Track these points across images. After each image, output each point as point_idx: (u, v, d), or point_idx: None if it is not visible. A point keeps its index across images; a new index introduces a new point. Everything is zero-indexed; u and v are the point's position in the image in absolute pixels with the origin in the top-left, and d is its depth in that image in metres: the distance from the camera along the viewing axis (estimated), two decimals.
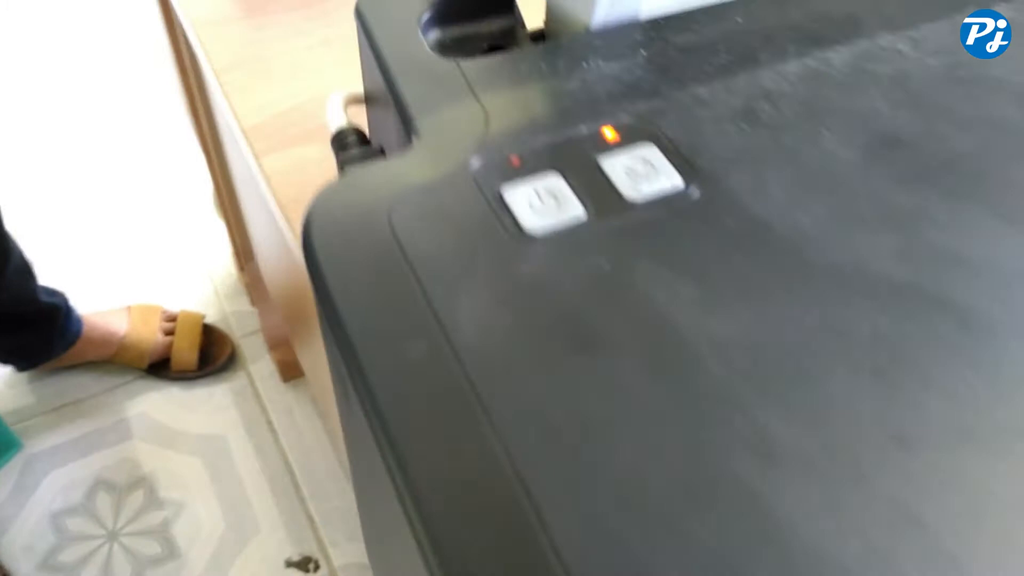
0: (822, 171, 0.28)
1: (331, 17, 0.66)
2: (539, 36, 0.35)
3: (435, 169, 0.27)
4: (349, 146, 0.33)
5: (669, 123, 0.29)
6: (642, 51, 0.31)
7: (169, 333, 1.41)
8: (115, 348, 1.38)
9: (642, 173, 0.27)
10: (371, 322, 0.24)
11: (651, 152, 0.28)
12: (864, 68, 0.31)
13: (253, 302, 1.48)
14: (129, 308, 1.42)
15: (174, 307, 1.47)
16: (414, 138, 0.29)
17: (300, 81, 0.60)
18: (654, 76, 0.30)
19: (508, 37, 0.34)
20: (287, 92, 0.59)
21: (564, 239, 0.26)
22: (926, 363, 0.23)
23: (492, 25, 0.34)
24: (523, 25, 0.35)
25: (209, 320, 1.48)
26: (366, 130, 0.38)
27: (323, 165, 0.55)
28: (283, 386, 1.43)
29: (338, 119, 0.35)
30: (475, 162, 0.27)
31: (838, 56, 0.31)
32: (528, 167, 0.27)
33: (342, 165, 0.31)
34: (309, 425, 1.37)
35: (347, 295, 0.24)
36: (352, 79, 0.61)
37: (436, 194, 0.26)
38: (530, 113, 0.29)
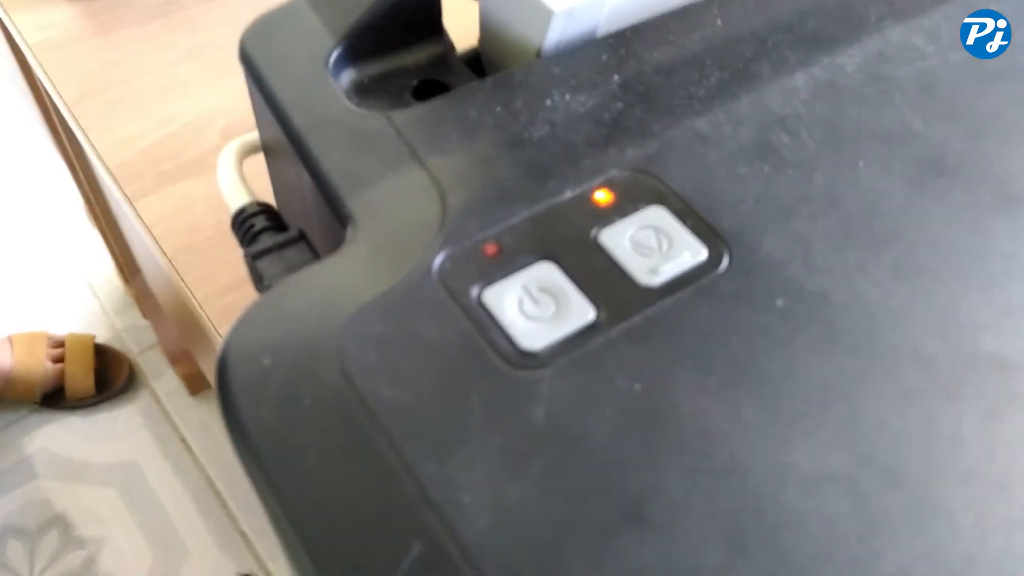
0: (870, 215, 0.22)
1: (196, 24, 0.57)
2: (474, 60, 0.29)
3: (387, 274, 0.21)
4: (258, 234, 0.26)
5: (673, 172, 0.23)
6: (615, 76, 0.25)
7: (58, 360, 1.31)
8: (1, 384, 1.27)
9: (655, 247, 0.21)
10: (339, 523, 0.17)
11: (660, 216, 0.22)
12: (882, 74, 0.25)
13: (145, 314, 1.38)
14: (10, 338, 1.31)
15: (60, 330, 1.36)
16: (349, 228, 0.22)
17: (169, 105, 0.52)
18: (638, 109, 0.24)
19: (440, 68, 0.27)
20: (155, 120, 0.51)
21: (575, 354, 0.20)
22: None
23: (418, 55, 0.27)
24: (453, 49, 0.28)
25: (100, 340, 1.37)
26: (269, 195, 0.31)
27: (210, 202, 0.47)
28: (192, 400, 1.34)
29: (235, 190, 0.27)
30: (439, 258, 0.21)
31: (849, 61, 0.26)
32: (510, 257, 0.21)
33: (253, 263, 0.24)
34: (227, 437, 1.29)
35: (298, 489, 0.18)
36: (229, 96, 0.53)
37: (395, 314, 0.20)
38: (496, 178, 0.23)
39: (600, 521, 0.17)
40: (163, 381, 1.37)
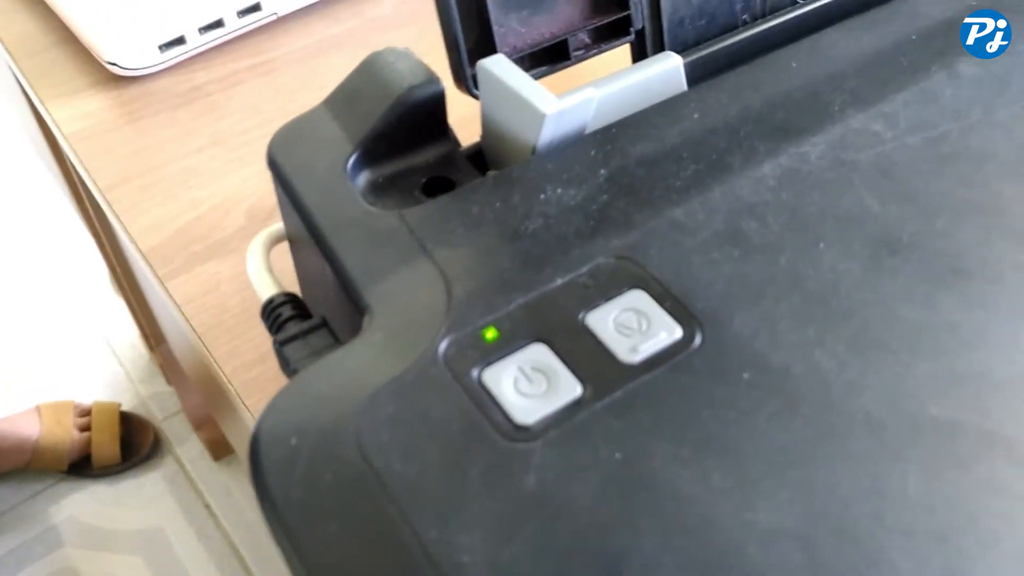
0: (829, 294, 0.25)
1: (218, 110, 0.61)
2: (476, 155, 0.32)
3: (399, 358, 0.23)
4: (285, 322, 0.29)
5: (652, 259, 0.26)
6: (601, 170, 0.28)
7: (85, 428, 1.34)
8: (29, 454, 1.30)
9: (635, 328, 0.24)
10: None
11: (640, 299, 0.25)
12: (843, 160, 0.28)
13: (170, 382, 1.41)
14: (38, 408, 1.34)
15: (85, 398, 1.39)
16: (366, 317, 0.25)
17: (196, 190, 0.55)
18: (622, 201, 0.27)
19: (447, 165, 0.30)
20: (183, 204, 0.54)
21: (564, 427, 0.22)
22: (990, 521, 0.20)
23: (427, 154, 0.30)
24: (459, 145, 0.31)
25: (126, 407, 1.40)
26: (294, 277, 0.34)
27: (236, 282, 0.50)
28: (215, 465, 1.36)
29: (262, 281, 0.30)
30: (444, 344, 0.24)
31: (813, 149, 0.28)
32: (507, 340, 0.24)
33: (280, 349, 0.26)
34: (250, 503, 1.31)
35: (321, 555, 0.20)
36: (251, 179, 0.56)
37: (406, 395, 0.23)
38: (495, 269, 0.25)
39: None
40: (187, 447, 1.39)
